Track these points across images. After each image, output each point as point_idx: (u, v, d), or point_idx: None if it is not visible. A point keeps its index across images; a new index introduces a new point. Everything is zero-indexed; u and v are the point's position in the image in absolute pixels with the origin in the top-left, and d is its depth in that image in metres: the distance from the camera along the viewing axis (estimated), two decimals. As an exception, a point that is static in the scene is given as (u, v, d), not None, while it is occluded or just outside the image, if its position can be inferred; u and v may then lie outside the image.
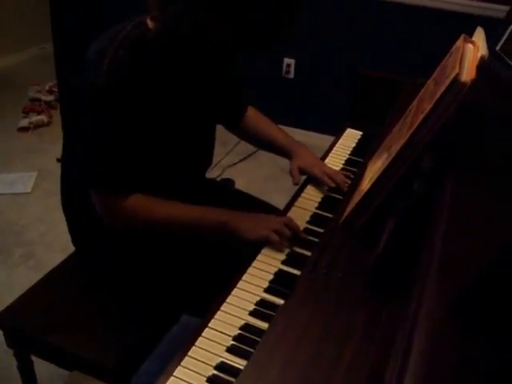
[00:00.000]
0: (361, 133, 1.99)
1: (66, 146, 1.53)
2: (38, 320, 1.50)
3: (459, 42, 1.29)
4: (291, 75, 3.81)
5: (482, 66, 1.13)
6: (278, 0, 1.18)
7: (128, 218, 1.41)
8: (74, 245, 1.67)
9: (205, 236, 1.44)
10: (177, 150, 1.47)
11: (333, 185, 1.58)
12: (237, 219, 1.39)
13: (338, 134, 2.02)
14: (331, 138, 2.10)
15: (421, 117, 1.08)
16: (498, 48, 1.80)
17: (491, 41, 1.83)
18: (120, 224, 1.43)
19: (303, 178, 1.66)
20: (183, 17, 1.18)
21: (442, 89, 1.04)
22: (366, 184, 1.29)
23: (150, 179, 1.42)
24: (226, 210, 1.42)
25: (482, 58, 1.15)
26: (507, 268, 0.68)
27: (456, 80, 1.02)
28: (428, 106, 1.07)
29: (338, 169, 1.72)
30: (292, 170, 1.65)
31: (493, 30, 1.87)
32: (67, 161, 1.55)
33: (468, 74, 1.05)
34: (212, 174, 3.22)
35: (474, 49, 1.24)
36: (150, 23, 1.31)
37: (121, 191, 1.37)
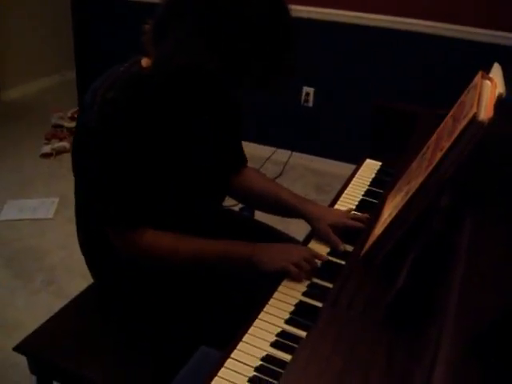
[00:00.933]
0: (380, 163, 2.00)
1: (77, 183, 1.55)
2: (60, 347, 1.52)
3: (477, 79, 1.31)
4: (310, 104, 3.84)
5: (500, 103, 1.15)
6: (268, 34, 1.20)
7: (148, 252, 1.42)
8: (94, 278, 1.69)
9: (227, 270, 1.46)
10: (183, 183, 1.47)
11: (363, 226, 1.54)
12: (259, 251, 1.41)
13: (355, 162, 2.05)
14: (350, 166, 2.13)
15: (439, 155, 1.10)
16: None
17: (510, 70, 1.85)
18: (141, 259, 1.45)
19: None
20: (175, 50, 1.19)
21: (460, 127, 1.06)
22: (385, 218, 1.31)
23: (163, 211, 1.44)
24: (248, 244, 1.44)
25: (500, 96, 1.17)
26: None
27: (474, 119, 1.05)
28: (446, 144, 1.09)
29: (357, 200, 1.74)
30: (327, 235, 1.52)
31: None
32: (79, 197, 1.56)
33: (486, 112, 1.08)
34: (231, 201, 3.24)
35: (492, 86, 1.26)
36: (144, 62, 1.35)
37: (135, 225, 1.39)
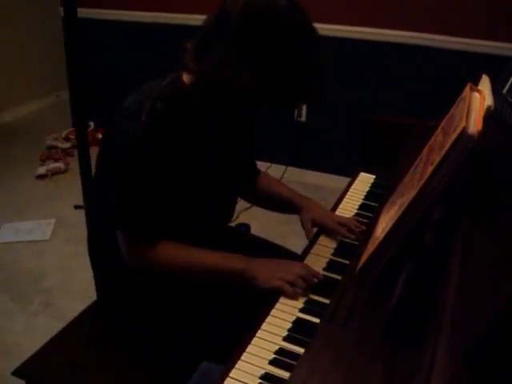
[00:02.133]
0: (374, 176, 2.01)
1: (93, 195, 1.57)
2: (59, 370, 1.51)
3: (465, 92, 1.33)
4: (303, 118, 3.86)
5: (489, 116, 1.17)
6: (304, 62, 1.33)
7: (153, 263, 1.44)
8: (98, 291, 1.69)
9: (222, 283, 1.46)
10: (202, 203, 1.51)
11: (347, 234, 1.60)
12: (254, 267, 1.41)
13: (350, 175, 2.06)
14: (344, 179, 2.14)
15: (430, 168, 1.11)
16: (505, 91, 1.83)
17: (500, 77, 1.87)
18: (144, 269, 1.46)
19: (315, 229, 1.67)
20: (217, 66, 1.27)
21: (450, 141, 1.07)
22: (380, 232, 1.32)
23: (174, 227, 1.46)
24: (243, 257, 1.45)
25: (489, 108, 1.18)
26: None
27: (463, 133, 1.06)
28: (437, 158, 1.10)
29: (352, 214, 1.75)
30: (304, 224, 1.67)
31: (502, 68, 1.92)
32: (95, 209, 1.59)
33: (475, 125, 1.09)
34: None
35: (481, 98, 1.27)
36: (185, 78, 1.40)
37: (150, 238, 1.42)
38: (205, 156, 1.46)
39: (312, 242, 1.60)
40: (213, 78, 1.28)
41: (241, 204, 3.32)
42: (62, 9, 3.83)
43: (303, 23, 1.32)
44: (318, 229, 1.67)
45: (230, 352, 1.19)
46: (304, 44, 1.32)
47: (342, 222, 1.64)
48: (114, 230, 1.44)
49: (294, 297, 1.35)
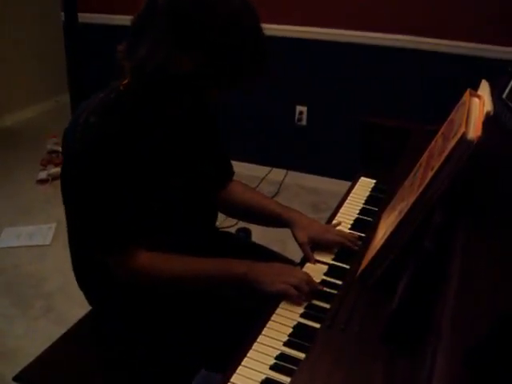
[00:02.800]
0: (374, 181, 2.02)
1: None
2: (61, 375, 1.52)
3: (465, 97, 1.33)
4: (304, 122, 3.87)
5: (489, 121, 1.17)
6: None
7: (144, 275, 1.43)
8: (90, 304, 1.69)
9: (223, 288, 1.46)
10: (170, 204, 1.47)
11: (353, 246, 1.56)
12: (256, 270, 1.41)
13: (350, 179, 2.06)
14: (344, 183, 2.14)
15: (430, 174, 1.12)
16: (504, 95, 1.84)
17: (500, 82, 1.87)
18: (138, 281, 1.45)
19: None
20: (148, 54, 1.24)
21: (450, 147, 1.08)
22: (380, 237, 1.32)
23: (155, 234, 1.44)
24: (244, 261, 1.44)
25: (488, 113, 1.18)
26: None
27: (463, 138, 1.06)
28: (437, 164, 1.11)
29: (352, 219, 1.75)
30: (302, 246, 1.58)
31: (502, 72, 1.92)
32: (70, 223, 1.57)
33: (475, 131, 1.09)
34: (228, 222, 3.24)
35: (480, 103, 1.28)
36: (122, 86, 1.38)
37: (128, 249, 1.39)
38: (158, 158, 1.41)
39: (312, 247, 1.59)
40: (145, 67, 1.24)
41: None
42: (62, 14, 3.88)
43: (239, 8, 1.25)
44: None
45: (228, 359, 1.19)
46: (240, 27, 1.24)
47: (343, 235, 1.60)
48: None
49: (297, 301, 1.34)
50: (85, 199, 1.35)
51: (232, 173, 1.79)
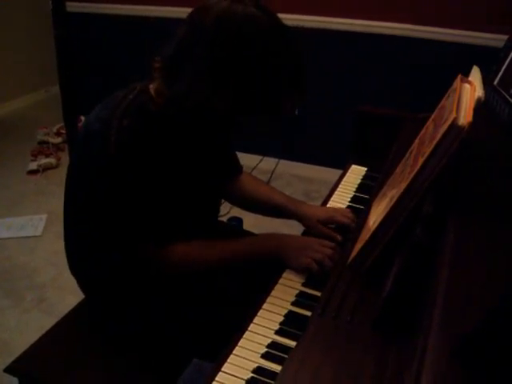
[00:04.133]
0: (365, 169, 2.02)
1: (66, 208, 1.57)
2: (52, 367, 1.51)
3: (456, 83, 1.32)
4: (295, 111, 3.84)
5: (479, 107, 1.16)
6: (282, 77, 1.30)
7: (183, 267, 1.46)
8: (82, 291, 1.69)
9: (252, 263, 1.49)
10: (187, 204, 1.50)
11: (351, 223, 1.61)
12: (284, 246, 1.45)
13: (342, 168, 2.06)
14: (336, 172, 2.13)
15: (421, 160, 1.11)
16: (495, 82, 1.83)
17: (491, 69, 1.87)
18: (173, 271, 1.47)
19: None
20: (188, 91, 1.25)
21: (441, 133, 1.07)
22: (371, 225, 1.32)
23: (172, 227, 1.46)
24: (273, 235, 1.52)
25: (479, 99, 1.18)
26: (509, 314, 0.70)
27: (454, 124, 1.05)
28: (428, 150, 1.10)
29: (344, 206, 1.75)
30: (319, 231, 1.60)
31: (493, 59, 1.92)
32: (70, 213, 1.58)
33: (465, 117, 1.09)
34: (220, 211, 3.24)
35: (471, 89, 1.27)
36: (152, 91, 1.37)
37: (165, 243, 1.42)
38: (182, 163, 1.44)
39: (304, 235, 1.59)
40: (186, 101, 1.26)
41: (233, 197, 3.33)
42: (50, 2, 3.84)
43: (281, 37, 1.29)
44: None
45: (220, 348, 1.19)
46: (282, 58, 1.29)
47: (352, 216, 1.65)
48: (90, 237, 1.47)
49: (320, 276, 1.38)
50: (124, 197, 1.35)
51: (240, 167, 1.82)
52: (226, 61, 1.22)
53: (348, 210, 1.68)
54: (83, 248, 1.56)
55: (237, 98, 1.26)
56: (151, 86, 1.38)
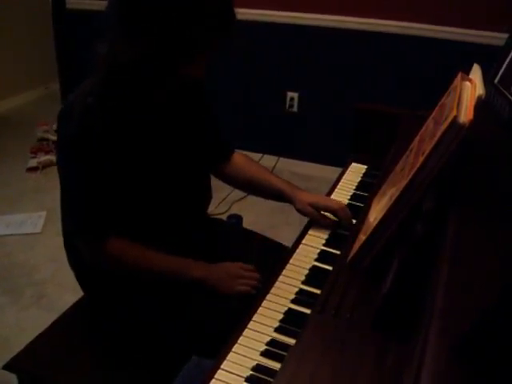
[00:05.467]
0: (365, 167, 2.01)
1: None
2: (51, 363, 1.51)
3: (456, 81, 1.32)
4: (295, 108, 3.86)
5: (480, 105, 1.16)
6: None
7: (112, 262, 1.46)
8: (82, 289, 1.69)
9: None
10: (162, 191, 1.50)
11: (348, 221, 1.60)
12: (212, 276, 1.47)
13: (342, 165, 2.06)
14: (335, 169, 2.14)
15: (421, 158, 1.11)
16: (496, 80, 1.83)
17: (491, 68, 1.87)
18: (105, 266, 1.49)
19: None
20: (111, 52, 1.27)
21: (441, 130, 1.07)
22: (371, 222, 1.32)
23: (142, 221, 1.46)
24: (202, 265, 1.49)
25: (480, 97, 1.17)
26: (510, 309, 0.70)
27: (454, 122, 1.05)
28: (428, 147, 1.10)
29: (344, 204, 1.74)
30: (308, 214, 1.63)
31: (493, 58, 1.91)
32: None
33: (466, 114, 1.08)
34: (220, 209, 3.24)
35: (472, 87, 1.27)
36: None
37: (102, 236, 1.42)
38: (152, 143, 1.43)
39: (303, 233, 1.59)
40: (113, 60, 1.27)
41: (233, 195, 3.34)
42: (50, -1, 3.84)
43: None
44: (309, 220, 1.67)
45: (219, 345, 1.18)
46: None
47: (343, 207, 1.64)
48: None
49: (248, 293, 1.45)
50: (75, 179, 1.36)
51: (232, 147, 1.80)
52: (132, 8, 1.21)
53: (344, 204, 1.67)
54: (70, 240, 1.58)
55: (161, 42, 1.21)
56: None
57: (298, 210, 1.64)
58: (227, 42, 1.30)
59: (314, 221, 1.61)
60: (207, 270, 1.48)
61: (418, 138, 1.38)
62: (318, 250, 1.50)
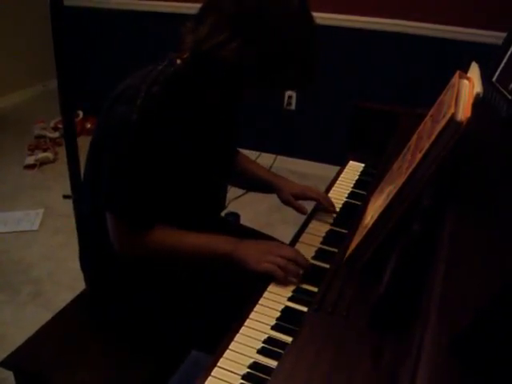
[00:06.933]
0: (363, 165, 2.01)
1: (82, 184, 1.56)
2: (47, 361, 1.51)
3: (455, 79, 1.32)
4: (293, 107, 3.85)
5: (478, 103, 1.16)
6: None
7: (142, 248, 1.44)
8: (86, 281, 1.69)
9: (213, 263, 1.46)
10: (193, 191, 1.50)
11: (331, 208, 1.67)
12: (242, 249, 1.40)
13: (339, 164, 2.06)
14: (333, 168, 2.13)
15: (419, 156, 1.11)
16: (494, 79, 1.83)
17: (490, 66, 1.87)
18: (133, 253, 1.46)
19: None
20: (206, 37, 1.26)
21: (439, 128, 1.07)
22: (368, 220, 1.31)
23: (165, 215, 1.45)
24: (232, 239, 1.44)
25: (477, 95, 1.17)
26: (507, 307, 0.70)
27: (452, 120, 1.05)
28: (426, 145, 1.10)
29: (341, 202, 1.74)
30: (288, 202, 1.73)
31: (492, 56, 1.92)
32: (83, 198, 1.57)
33: (464, 112, 1.08)
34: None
35: (470, 85, 1.27)
36: (179, 61, 1.39)
37: (143, 225, 1.41)
38: (199, 141, 1.45)
39: (301, 231, 1.59)
40: (203, 45, 1.26)
41: (230, 193, 3.33)
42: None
43: (301, 10, 1.29)
44: (310, 213, 1.69)
45: (219, 341, 1.18)
46: (297, 31, 1.29)
47: (322, 195, 1.73)
48: (102, 217, 1.42)
49: (285, 282, 1.34)
50: (125, 167, 1.35)
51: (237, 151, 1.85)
52: (250, 16, 1.23)
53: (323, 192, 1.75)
54: (90, 223, 1.57)
55: (246, 49, 1.24)
56: (178, 59, 1.39)
57: (280, 198, 1.74)
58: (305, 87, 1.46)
59: (296, 210, 1.73)
60: (236, 243, 1.42)
61: (415, 135, 1.38)
62: (316, 248, 1.50)
